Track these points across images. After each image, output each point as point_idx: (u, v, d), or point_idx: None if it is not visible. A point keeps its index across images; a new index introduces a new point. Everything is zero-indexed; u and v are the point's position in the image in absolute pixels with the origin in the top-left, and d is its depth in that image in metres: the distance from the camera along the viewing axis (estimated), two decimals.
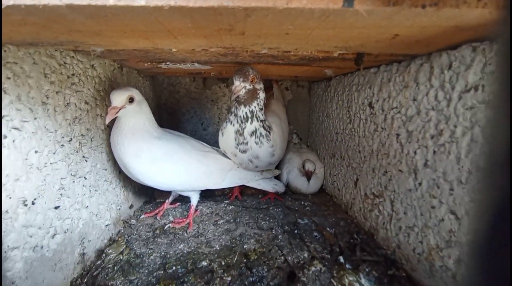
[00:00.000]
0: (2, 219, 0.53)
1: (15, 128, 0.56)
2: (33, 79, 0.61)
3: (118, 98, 0.81)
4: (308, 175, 1.22)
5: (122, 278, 0.71)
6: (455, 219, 0.56)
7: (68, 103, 0.72)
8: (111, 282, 0.70)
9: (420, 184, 0.66)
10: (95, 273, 0.73)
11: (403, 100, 0.71)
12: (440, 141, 0.59)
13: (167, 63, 0.91)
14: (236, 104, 0.93)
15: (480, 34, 0.48)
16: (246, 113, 0.93)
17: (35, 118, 0.61)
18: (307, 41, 0.55)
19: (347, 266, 0.73)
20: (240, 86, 0.88)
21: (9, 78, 0.56)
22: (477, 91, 0.51)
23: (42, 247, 0.62)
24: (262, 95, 0.95)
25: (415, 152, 0.67)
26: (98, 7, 0.33)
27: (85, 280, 0.71)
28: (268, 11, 0.36)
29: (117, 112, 0.80)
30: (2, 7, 0.33)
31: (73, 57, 0.74)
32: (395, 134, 0.75)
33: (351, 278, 0.67)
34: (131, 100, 0.83)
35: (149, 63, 0.93)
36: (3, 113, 0.54)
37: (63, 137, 0.69)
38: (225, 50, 0.66)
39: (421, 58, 0.65)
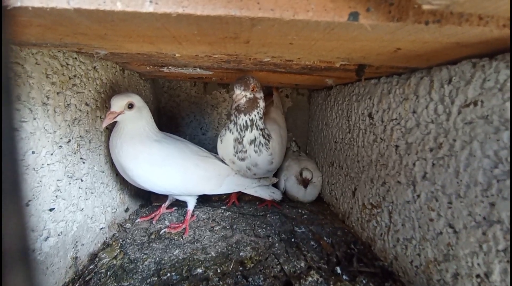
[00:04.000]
0: None
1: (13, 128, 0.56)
2: (35, 79, 0.61)
3: (118, 103, 0.81)
4: (305, 183, 1.22)
5: (115, 284, 0.70)
6: (453, 232, 0.56)
7: (68, 104, 0.71)
8: None
9: (418, 196, 0.66)
10: (87, 278, 0.71)
11: (403, 112, 0.72)
12: (439, 154, 0.60)
13: (169, 67, 0.91)
14: (236, 112, 0.93)
15: (480, 51, 0.49)
16: (246, 121, 0.93)
17: (34, 119, 0.60)
18: (310, 51, 0.56)
19: (344, 277, 0.72)
20: (241, 94, 0.88)
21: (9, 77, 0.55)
22: (476, 106, 0.51)
23: (34, 250, 0.60)
24: (262, 104, 0.96)
25: (414, 164, 0.67)
26: (106, 12, 0.33)
27: (77, 285, 0.69)
28: (274, 22, 0.36)
29: (115, 117, 0.81)
30: (9, 8, 0.33)
31: (75, 58, 0.74)
32: (394, 146, 0.75)
33: None
34: (130, 106, 0.83)
35: (151, 66, 0.93)
36: None
37: (61, 138, 0.69)
38: (228, 57, 0.67)
39: (421, 72, 0.66)
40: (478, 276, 0.50)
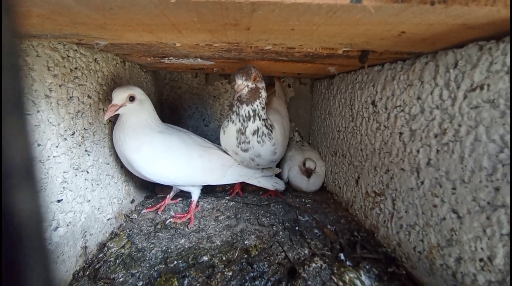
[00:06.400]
0: None
1: None
2: (36, 72, 0.61)
3: (119, 96, 0.81)
4: (308, 173, 1.23)
5: (124, 271, 0.72)
6: (457, 218, 0.56)
7: (71, 97, 0.72)
8: (113, 275, 0.71)
9: (422, 182, 0.66)
10: (97, 266, 0.74)
11: (407, 99, 0.71)
12: (443, 140, 0.59)
13: (170, 58, 0.91)
14: (238, 103, 0.93)
15: (487, 33, 0.47)
16: (248, 112, 0.93)
17: (38, 111, 0.61)
18: (312, 37, 0.54)
19: (348, 263, 0.73)
20: (243, 85, 0.87)
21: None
22: (482, 90, 0.50)
23: (47, 238, 0.62)
24: (264, 93, 0.95)
25: (418, 151, 0.67)
26: None
27: (87, 272, 0.72)
28: (275, 6, 0.36)
29: (117, 109, 0.81)
30: None
31: (76, 50, 0.74)
32: (398, 133, 0.74)
33: (351, 275, 0.67)
34: (131, 98, 0.84)
35: (152, 57, 0.93)
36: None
37: (65, 130, 0.69)
38: (229, 46, 0.66)
39: (426, 57, 0.65)
40: (481, 260, 0.51)
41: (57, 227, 0.65)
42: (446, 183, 0.59)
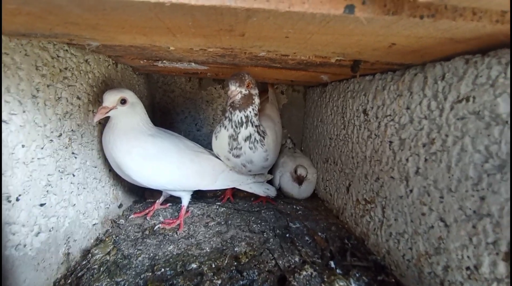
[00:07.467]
0: None
1: (3, 121, 0.54)
2: (24, 71, 0.59)
3: (110, 98, 0.80)
4: (300, 180, 1.23)
5: (108, 280, 0.69)
6: (444, 226, 0.57)
7: (59, 97, 0.70)
8: (96, 284, 0.68)
9: (411, 191, 0.67)
10: (79, 274, 0.71)
11: (397, 108, 0.72)
12: (431, 149, 0.60)
13: (164, 61, 0.90)
14: (231, 109, 0.93)
15: (473, 47, 0.49)
16: (241, 118, 0.92)
17: (24, 111, 0.59)
18: (306, 45, 0.55)
19: (338, 271, 0.73)
20: (236, 91, 0.88)
21: None
22: (468, 102, 0.52)
23: (25, 245, 0.59)
24: (257, 100, 0.95)
25: (407, 160, 0.68)
26: (98, 0, 0.32)
27: (69, 281, 0.68)
28: (270, 14, 0.36)
29: (107, 112, 0.80)
30: None
31: (66, 50, 0.72)
32: (388, 141, 0.76)
33: (341, 283, 0.67)
34: (123, 101, 0.82)
35: (145, 60, 0.92)
36: None
37: (52, 132, 0.67)
38: (224, 51, 0.66)
39: (415, 68, 0.67)
40: (468, 268, 0.51)
41: (38, 232, 0.63)
42: (434, 192, 0.60)
